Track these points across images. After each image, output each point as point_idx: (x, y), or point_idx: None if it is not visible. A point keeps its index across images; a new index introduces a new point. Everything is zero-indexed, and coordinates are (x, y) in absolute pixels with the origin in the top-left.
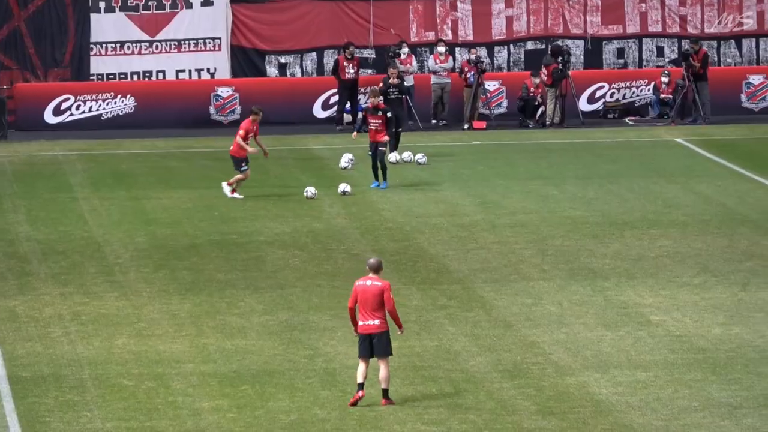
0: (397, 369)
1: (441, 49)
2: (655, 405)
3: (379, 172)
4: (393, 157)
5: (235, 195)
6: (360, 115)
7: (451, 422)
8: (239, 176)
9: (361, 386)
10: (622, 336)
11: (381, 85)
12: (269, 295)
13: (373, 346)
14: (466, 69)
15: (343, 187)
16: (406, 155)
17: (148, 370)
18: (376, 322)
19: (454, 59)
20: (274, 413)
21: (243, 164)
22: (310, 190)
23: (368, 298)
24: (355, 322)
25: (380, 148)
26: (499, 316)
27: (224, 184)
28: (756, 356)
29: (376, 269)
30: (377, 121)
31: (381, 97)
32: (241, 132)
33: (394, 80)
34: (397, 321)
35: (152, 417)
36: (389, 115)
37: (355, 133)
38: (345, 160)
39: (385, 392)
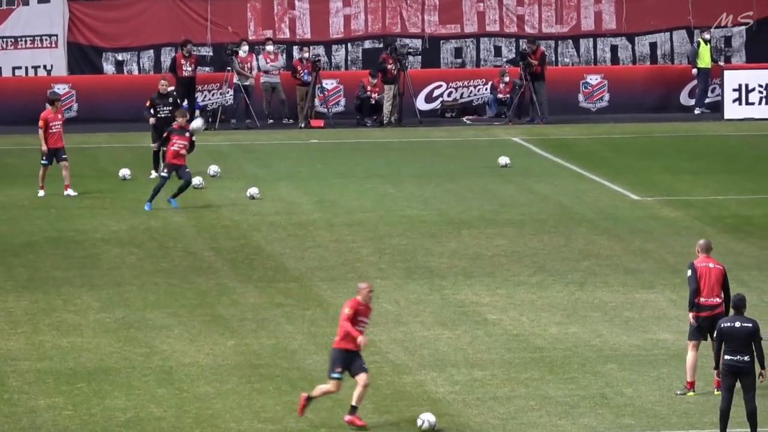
0: (234, 367)
1: (270, 48)
2: (491, 404)
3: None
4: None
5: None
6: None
7: (288, 421)
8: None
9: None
10: (459, 335)
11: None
12: (105, 292)
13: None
14: (299, 68)
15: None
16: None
17: None
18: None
19: (291, 58)
20: (110, 411)
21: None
22: (253, 191)
23: None
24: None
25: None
26: (336, 314)
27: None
28: (592, 355)
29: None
30: (183, 142)
31: (187, 117)
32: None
33: (164, 90)
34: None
35: None
36: (194, 139)
37: (155, 144)
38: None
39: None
